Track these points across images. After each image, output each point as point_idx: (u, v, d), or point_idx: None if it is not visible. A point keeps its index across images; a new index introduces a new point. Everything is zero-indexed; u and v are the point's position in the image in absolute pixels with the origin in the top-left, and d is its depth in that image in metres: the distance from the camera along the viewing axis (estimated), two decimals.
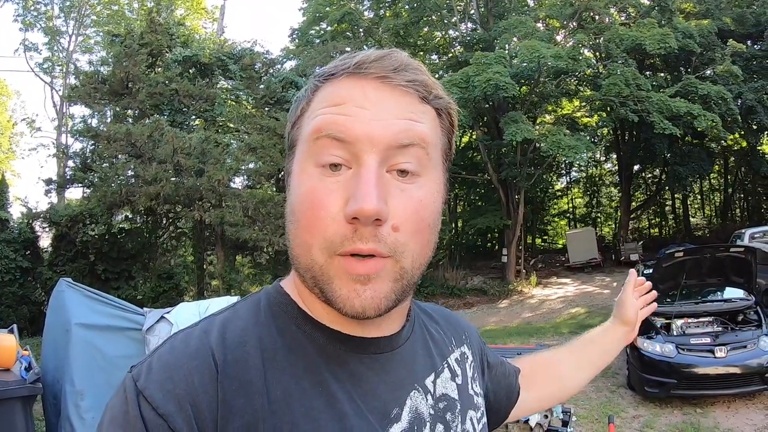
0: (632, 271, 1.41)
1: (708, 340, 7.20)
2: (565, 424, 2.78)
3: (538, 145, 19.38)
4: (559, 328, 13.09)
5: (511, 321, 15.46)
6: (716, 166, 32.64)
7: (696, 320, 7.80)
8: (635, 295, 1.36)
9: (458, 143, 26.59)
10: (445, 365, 0.88)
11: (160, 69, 18.00)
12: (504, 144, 20.51)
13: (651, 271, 8.73)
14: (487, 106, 21.46)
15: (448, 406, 0.83)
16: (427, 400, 0.80)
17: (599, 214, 38.86)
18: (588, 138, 22.49)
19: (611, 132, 29.47)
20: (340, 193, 0.68)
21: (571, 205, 39.79)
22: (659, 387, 7.11)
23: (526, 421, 2.54)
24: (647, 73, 24.26)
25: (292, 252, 0.73)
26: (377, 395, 0.74)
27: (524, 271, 23.19)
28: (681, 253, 8.25)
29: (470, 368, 0.95)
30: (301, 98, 0.77)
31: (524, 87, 21.60)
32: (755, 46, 25.21)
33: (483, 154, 22.80)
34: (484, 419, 0.93)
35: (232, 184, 16.75)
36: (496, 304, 19.01)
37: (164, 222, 18.83)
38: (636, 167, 31.50)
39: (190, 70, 18.60)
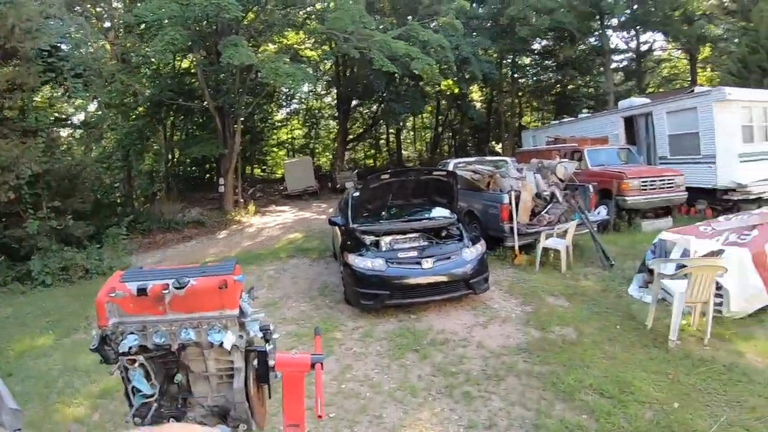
0: None
1: (415, 253, 7.65)
2: (267, 341, 2.38)
3: (257, 72, 19.05)
4: (278, 253, 13.08)
5: (231, 250, 15.13)
6: (429, 107, 36.50)
7: (403, 236, 8.27)
8: None
9: (176, 69, 24.89)
10: None
11: None
12: (223, 70, 19.82)
13: (359, 192, 8.99)
14: (210, 30, 20.20)
15: None
16: None
17: (317, 145, 40.28)
18: (308, 69, 22.56)
19: (333, 67, 30.26)
20: None
21: (290, 135, 40.48)
22: (374, 299, 7.42)
23: (221, 344, 2.06)
24: (376, 16, 25.16)
25: None
26: None
27: (242, 200, 22.97)
28: (387, 175, 8.57)
29: None
30: None
31: (251, 13, 20.96)
32: (479, 9, 28.44)
33: (201, 80, 21.51)
34: None
35: None
36: (215, 236, 18.45)
37: None
38: (354, 102, 32.99)
39: None
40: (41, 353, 7.00)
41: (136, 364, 2.27)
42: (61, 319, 8.45)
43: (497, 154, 27.82)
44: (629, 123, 16.55)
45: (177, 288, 2.16)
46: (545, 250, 9.38)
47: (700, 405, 4.73)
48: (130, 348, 2.24)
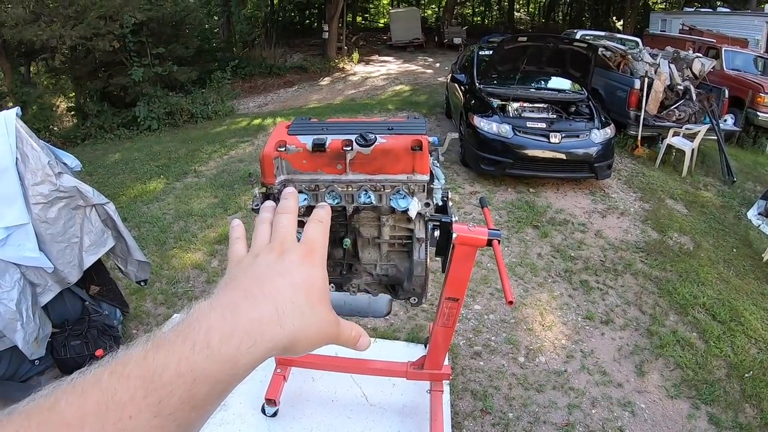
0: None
1: (544, 125, 7.24)
2: (445, 210, 2.18)
3: None
4: (385, 104, 12.81)
5: (334, 98, 14.94)
6: None
7: (531, 105, 7.84)
8: None
9: None
10: None
11: None
12: None
13: (492, 52, 8.43)
14: None
15: None
16: None
17: None
18: None
19: None
20: None
21: None
22: (495, 165, 7.17)
23: (405, 211, 1.82)
24: None
25: None
26: None
27: (345, 48, 22.36)
28: (525, 38, 8.02)
29: None
30: None
31: None
32: None
33: None
34: None
35: None
36: (317, 82, 18.29)
37: None
38: None
39: None
40: (153, 198, 7.03)
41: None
42: (169, 164, 8.51)
43: (618, 31, 25.61)
44: None
45: (362, 145, 1.91)
46: (669, 147, 8.74)
47: None
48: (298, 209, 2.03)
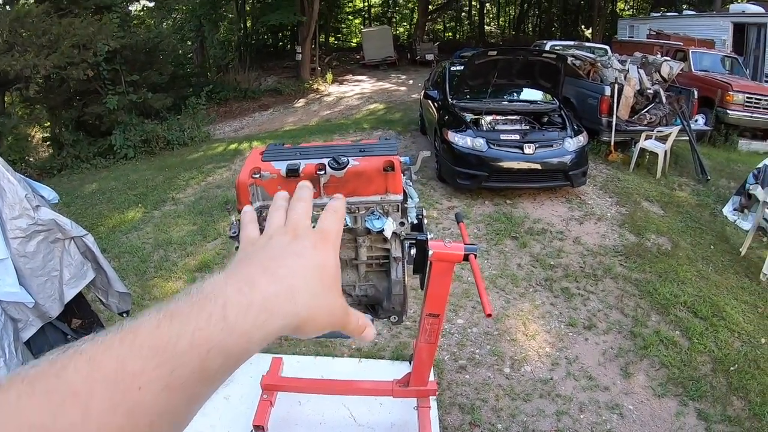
0: None
1: (517, 136, 7.33)
2: (421, 228, 2.21)
3: None
4: (360, 123, 12.83)
5: (310, 120, 14.99)
6: None
7: (504, 118, 7.92)
8: None
9: None
10: None
11: None
12: None
13: (463, 67, 8.54)
14: None
15: None
16: None
17: (395, 15, 38.79)
18: None
19: None
20: None
21: (366, 3, 39.00)
22: (471, 179, 7.24)
23: (380, 232, 1.85)
24: None
25: None
26: None
27: (319, 68, 22.47)
28: (495, 52, 8.12)
29: None
30: None
31: None
32: None
33: None
34: None
35: None
36: (292, 104, 18.35)
37: None
38: None
39: None
40: (132, 227, 6.99)
41: None
42: (147, 192, 8.48)
43: (587, 39, 26.04)
44: (738, 30, 15.24)
45: (335, 168, 1.94)
46: (642, 151, 8.90)
47: None
48: None
